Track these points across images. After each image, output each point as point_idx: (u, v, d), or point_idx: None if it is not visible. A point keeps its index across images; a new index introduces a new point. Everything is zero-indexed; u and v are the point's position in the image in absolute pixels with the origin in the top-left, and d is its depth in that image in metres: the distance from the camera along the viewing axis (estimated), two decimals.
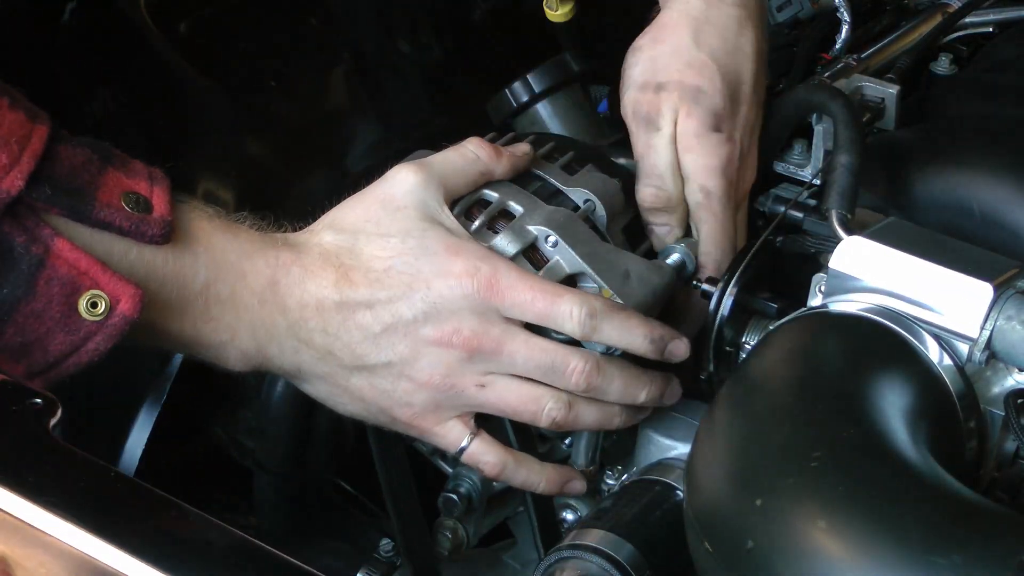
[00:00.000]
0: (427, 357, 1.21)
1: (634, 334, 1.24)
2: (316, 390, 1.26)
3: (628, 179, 1.40)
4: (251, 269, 1.20)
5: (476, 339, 1.20)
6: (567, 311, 1.22)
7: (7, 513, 0.97)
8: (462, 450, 1.26)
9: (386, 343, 1.21)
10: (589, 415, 1.26)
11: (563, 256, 1.28)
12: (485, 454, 1.26)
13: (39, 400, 1.07)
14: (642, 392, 1.28)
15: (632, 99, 1.40)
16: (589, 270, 1.28)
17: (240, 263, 1.20)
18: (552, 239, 1.28)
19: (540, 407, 1.23)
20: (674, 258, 1.37)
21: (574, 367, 1.23)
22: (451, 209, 1.27)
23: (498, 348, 1.21)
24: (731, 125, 1.38)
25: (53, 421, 1.05)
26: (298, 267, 1.21)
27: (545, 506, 1.34)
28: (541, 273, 1.27)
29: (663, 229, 1.39)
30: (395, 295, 1.21)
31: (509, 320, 1.22)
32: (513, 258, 1.27)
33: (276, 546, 1.09)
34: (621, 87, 1.43)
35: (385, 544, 1.49)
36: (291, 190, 1.62)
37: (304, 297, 1.21)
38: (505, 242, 1.28)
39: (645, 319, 1.26)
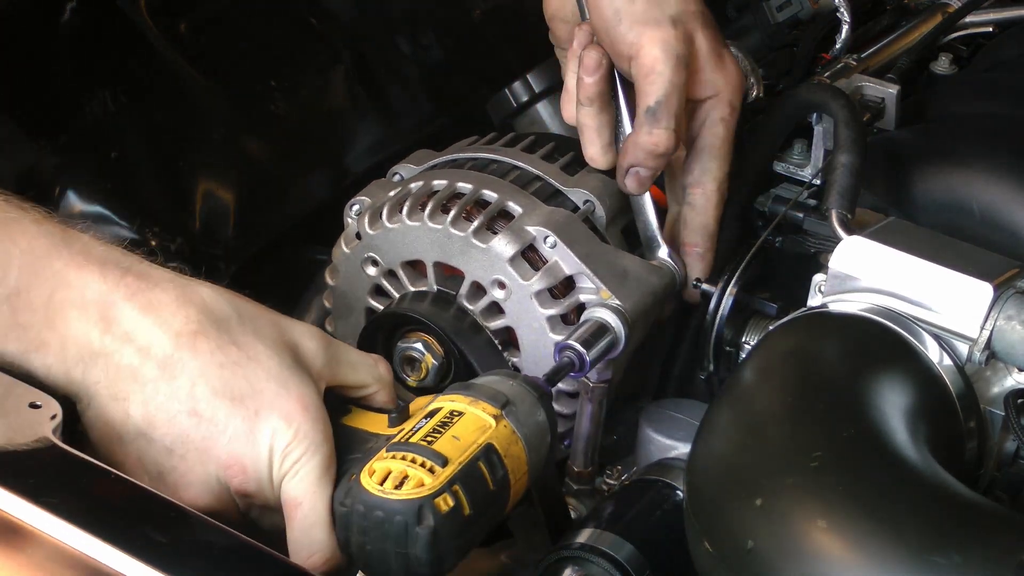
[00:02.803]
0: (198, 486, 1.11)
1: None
2: (92, 435, 1.12)
3: None
4: (78, 280, 1.11)
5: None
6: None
7: (7, 514, 0.97)
8: None
9: (185, 424, 1.10)
10: None
11: (561, 257, 1.28)
12: None
13: (39, 401, 1.07)
14: None
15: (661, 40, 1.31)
16: (587, 271, 1.28)
17: (66, 271, 1.11)
18: (551, 240, 1.28)
19: None
20: (667, 259, 1.36)
21: None
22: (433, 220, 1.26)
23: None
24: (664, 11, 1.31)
25: (53, 422, 1.05)
26: (143, 297, 1.11)
27: (556, 502, 1.32)
28: (540, 274, 1.27)
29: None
30: (219, 419, 1.09)
31: None
32: (511, 259, 1.27)
33: (276, 546, 1.09)
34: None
35: None
36: (291, 190, 1.61)
37: (136, 331, 1.10)
38: (504, 243, 1.28)
39: None
